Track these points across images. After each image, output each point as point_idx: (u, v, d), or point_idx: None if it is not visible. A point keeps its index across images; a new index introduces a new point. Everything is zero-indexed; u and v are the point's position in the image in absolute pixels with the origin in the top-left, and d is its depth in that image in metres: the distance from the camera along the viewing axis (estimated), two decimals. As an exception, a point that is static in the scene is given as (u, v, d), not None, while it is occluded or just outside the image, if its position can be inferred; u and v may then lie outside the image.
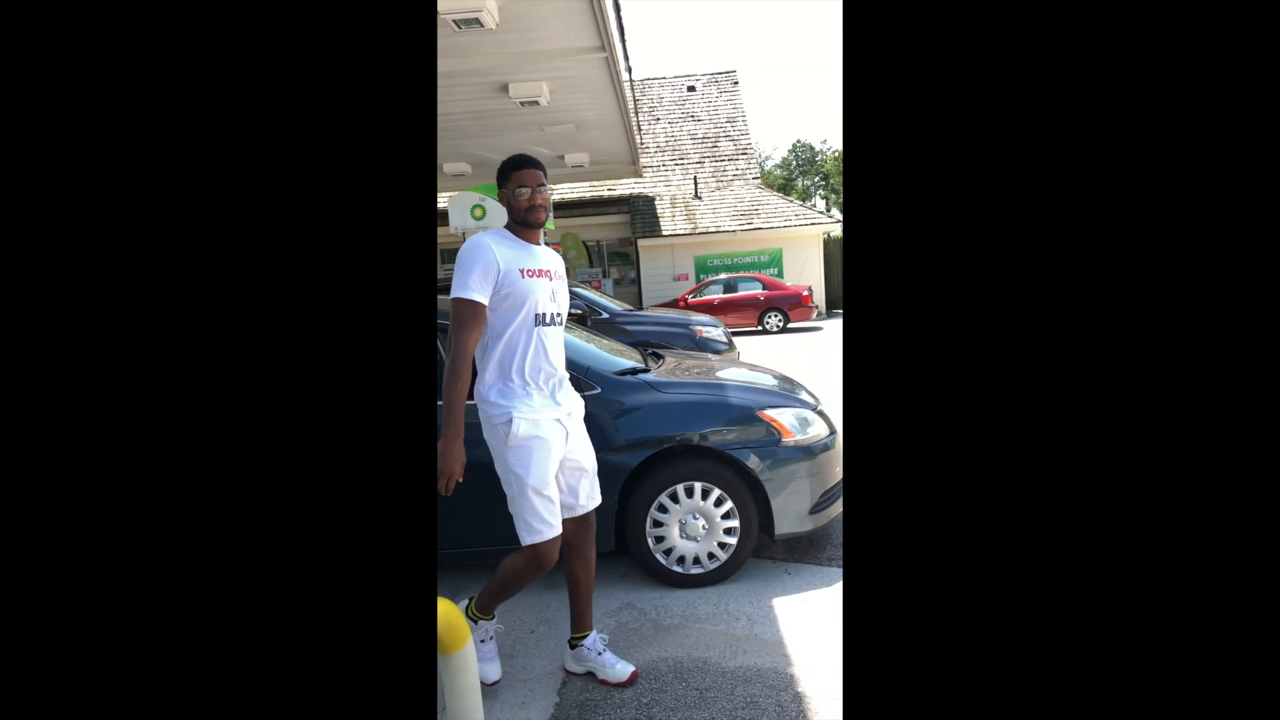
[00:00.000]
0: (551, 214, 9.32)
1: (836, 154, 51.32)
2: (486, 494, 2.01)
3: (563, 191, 13.89)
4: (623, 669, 1.77)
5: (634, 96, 8.35)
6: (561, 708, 1.71)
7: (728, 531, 2.25)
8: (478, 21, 4.02)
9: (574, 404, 1.75)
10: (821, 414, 2.50)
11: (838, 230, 15.27)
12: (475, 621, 1.79)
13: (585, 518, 1.78)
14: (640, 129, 10.38)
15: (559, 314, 1.71)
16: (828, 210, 41.76)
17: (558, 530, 1.65)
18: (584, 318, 5.49)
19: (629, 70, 6.74)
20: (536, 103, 6.10)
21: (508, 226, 1.69)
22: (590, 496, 1.77)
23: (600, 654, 1.79)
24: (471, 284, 1.57)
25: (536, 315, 1.64)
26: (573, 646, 1.82)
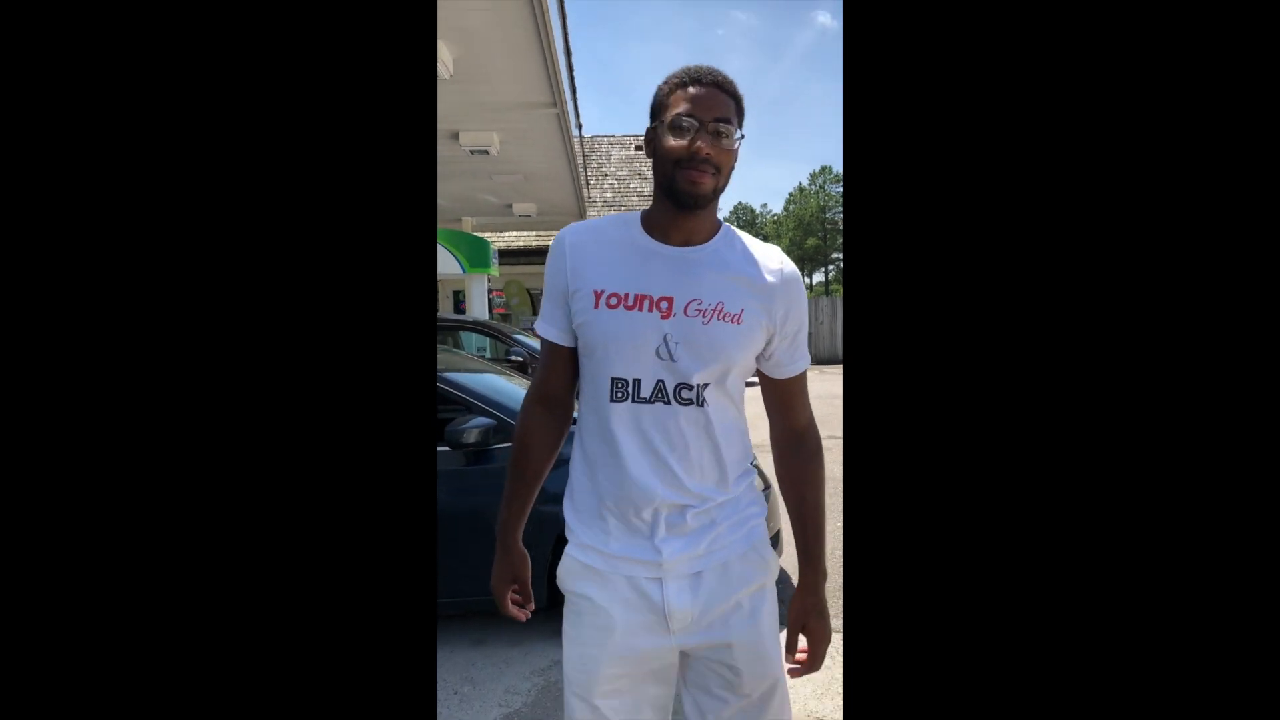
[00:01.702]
0: (496, 259, 9.20)
1: (775, 217, 53.69)
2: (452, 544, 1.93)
3: (509, 239, 13.93)
4: None
5: (583, 152, 8.57)
6: (482, 775, 1.62)
7: (662, 586, 2.22)
8: None
9: (708, 560, 0.91)
10: (757, 468, 2.53)
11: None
12: None
13: None
14: (588, 183, 10.61)
15: (687, 384, 0.88)
16: (767, 270, 42.83)
17: None
18: (525, 364, 5.45)
19: (579, 126, 6.92)
20: (486, 152, 6.17)
21: (651, 208, 0.94)
22: None
23: None
24: (543, 307, 0.97)
25: (615, 381, 0.89)
26: None
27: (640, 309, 0.88)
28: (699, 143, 0.85)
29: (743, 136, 0.90)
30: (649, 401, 0.89)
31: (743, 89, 0.91)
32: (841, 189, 48.56)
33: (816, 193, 49.47)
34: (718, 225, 0.94)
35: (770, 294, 0.91)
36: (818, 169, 51.14)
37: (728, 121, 0.87)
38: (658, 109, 0.91)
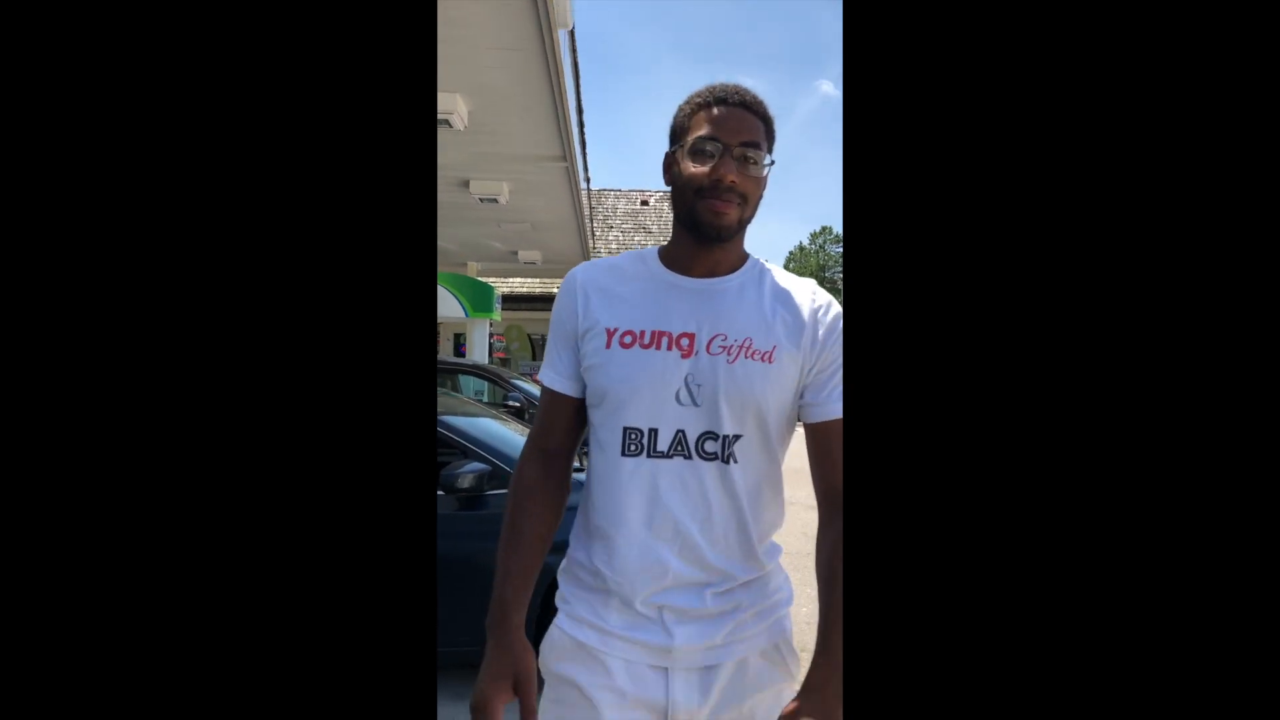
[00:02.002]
0: (500, 304, 9.23)
1: (776, 275, 54.58)
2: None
3: (513, 285, 14.08)
4: None
5: (590, 204, 8.76)
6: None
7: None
8: (447, 123, 4.22)
9: (726, 652, 0.78)
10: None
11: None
12: None
13: None
14: (594, 234, 10.82)
15: (712, 434, 0.77)
16: (766, 326, 43.42)
17: None
18: (521, 410, 5.44)
19: (587, 180, 7.10)
20: (495, 201, 6.31)
21: (669, 242, 0.85)
22: None
23: None
24: (548, 352, 0.86)
25: (627, 432, 0.78)
26: None
27: (658, 347, 0.77)
28: (723, 170, 0.75)
29: (772, 163, 0.79)
30: (667, 456, 0.76)
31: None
32: (840, 249, 49.53)
33: (816, 252, 50.31)
34: (744, 257, 0.84)
35: (803, 328, 0.80)
36: (818, 229, 52.16)
37: (756, 146, 0.77)
38: (678, 131, 0.80)
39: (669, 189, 0.83)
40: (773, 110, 0.82)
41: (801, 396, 0.82)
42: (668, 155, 0.82)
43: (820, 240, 50.95)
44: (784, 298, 0.82)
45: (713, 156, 0.76)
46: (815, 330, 0.81)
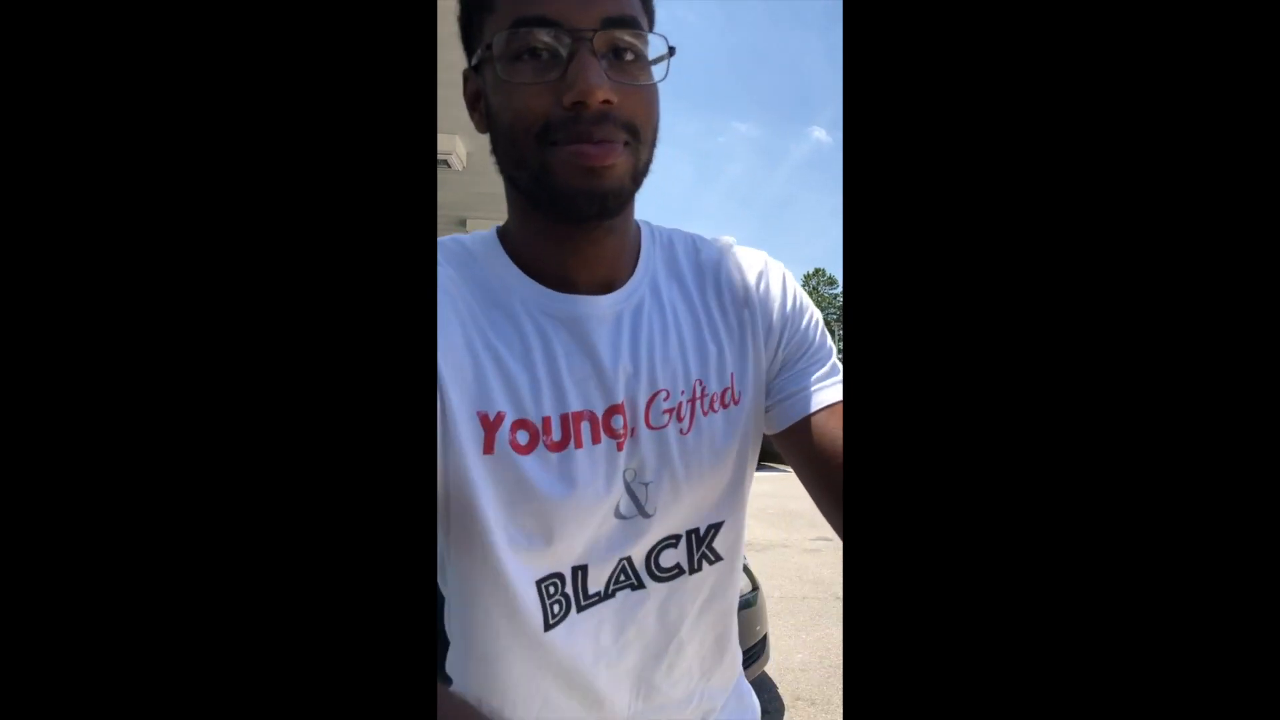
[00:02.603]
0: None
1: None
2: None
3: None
4: None
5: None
6: None
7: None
8: (446, 163, 4.30)
9: None
10: (744, 568, 2.47)
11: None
12: None
13: None
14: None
15: (670, 538, 0.49)
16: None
17: None
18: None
19: (583, 221, 7.19)
20: (492, 239, 6.39)
21: (515, 232, 0.48)
22: None
23: None
24: None
25: (544, 588, 0.46)
26: None
27: (578, 443, 0.45)
28: (586, 80, 0.39)
29: (672, 51, 0.44)
30: (606, 596, 0.48)
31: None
32: (834, 291, 50.23)
33: (810, 294, 50.92)
34: (637, 230, 0.51)
35: (754, 320, 0.51)
36: (811, 271, 52.91)
37: (633, 25, 0.41)
38: (477, 16, 0.43)
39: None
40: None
41: (770, 395, 0.53)
42: (469, 75, 0.46)
43: (814, 282, 51.68)
44: (711, 283, 0.51)
45: (557, 59, 0.40)
46: (768, 313, 0.52)
